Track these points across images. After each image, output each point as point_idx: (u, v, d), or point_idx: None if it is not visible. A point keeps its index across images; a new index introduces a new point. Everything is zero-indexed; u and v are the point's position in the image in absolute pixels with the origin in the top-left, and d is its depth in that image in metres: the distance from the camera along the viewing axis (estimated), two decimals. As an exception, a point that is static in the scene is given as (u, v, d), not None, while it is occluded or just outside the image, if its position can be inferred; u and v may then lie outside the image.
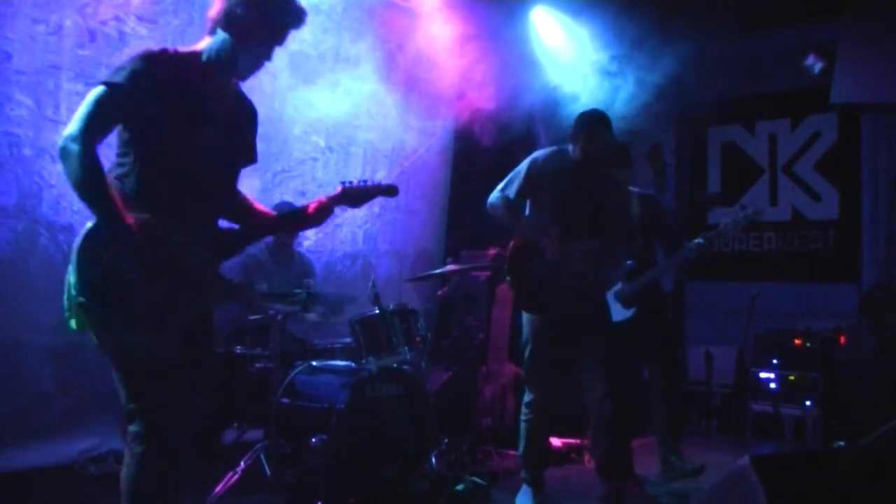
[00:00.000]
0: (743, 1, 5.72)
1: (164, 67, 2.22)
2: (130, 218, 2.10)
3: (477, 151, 6.25)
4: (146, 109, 2.18)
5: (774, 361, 5.97)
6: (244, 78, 2.42)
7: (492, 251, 5.91)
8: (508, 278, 3.87)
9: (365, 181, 2.64)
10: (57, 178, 4.19)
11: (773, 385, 5.94)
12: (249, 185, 5.20)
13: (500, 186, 3.85)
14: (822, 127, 6.66)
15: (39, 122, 4.19)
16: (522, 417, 3.87)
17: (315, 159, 5.73)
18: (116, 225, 2.07)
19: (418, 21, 5.99)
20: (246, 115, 2.53)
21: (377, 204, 6.17)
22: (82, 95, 2.23)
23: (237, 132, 2.44)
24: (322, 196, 2.62)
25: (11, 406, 4.09)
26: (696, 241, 4.15)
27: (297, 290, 4.20)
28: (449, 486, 4.02)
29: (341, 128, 5.83)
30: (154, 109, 2.19)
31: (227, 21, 2.27)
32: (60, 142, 2.10)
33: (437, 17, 5.98)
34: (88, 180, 2.07)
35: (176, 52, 2.29)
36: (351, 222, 6.00)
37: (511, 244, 3.87)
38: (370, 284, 4.19)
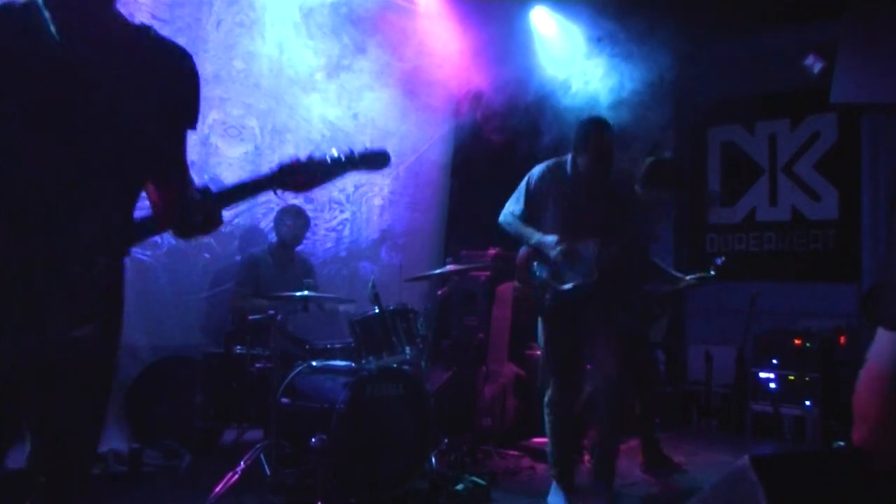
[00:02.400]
0: (743, 1, 5.72)
1: None
2: None
3: (477, 151, 6.25)
4: None
5: (774, 361, 5.96)
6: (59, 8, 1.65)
7: (492, 251, 5.92)
8: (518, 284, 3.97)
9: (314, 157, 1.96)
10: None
11: (773, 385, 5.94)
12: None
13: (507, 204, 4.04)
14: (822, 127, 6.66)
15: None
16: (547, 418, 3.91)
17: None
18: None
19: (419, 21, 6.00)
20: (150, 72, 1.77)
21: (378, 202, 6.17)
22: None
23: (123, 94, 1.72)
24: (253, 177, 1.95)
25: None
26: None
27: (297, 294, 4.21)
28: (449, 486, 4.02)
29: (341, 128, 5.83)
30: None
31: None
32: None
33: (437, 16, 5.98)
34: None
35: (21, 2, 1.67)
36: (346, 222, 6.00)
37: (520, 255, 3.97)
38: (370, 284, 4.19)
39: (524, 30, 6.28)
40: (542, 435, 4.33)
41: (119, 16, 1.75)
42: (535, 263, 3.87)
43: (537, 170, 3.95)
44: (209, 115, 4.92)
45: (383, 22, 5.91)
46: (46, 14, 1.63)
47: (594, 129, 3.81)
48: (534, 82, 6.02)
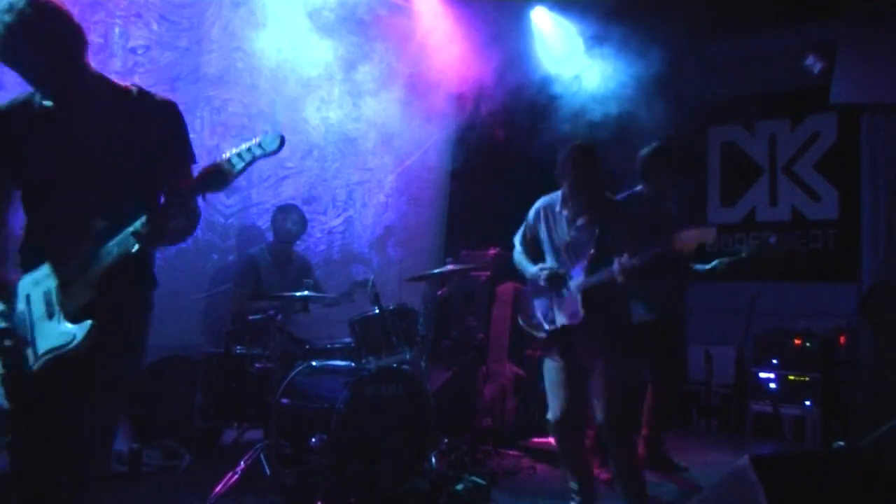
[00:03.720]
0: (743, 1, 5.72)
1: (8, 118, 2.24)
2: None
3: (478, 151, 6.25)
4: (7, 166, 2.26)
5: (774, 361, 5.96)
6: (48, 88, 2.21)
7: (492, 251, 5.92)
8: (520, 319, 3.95)
9: (232, 156, 2.15)
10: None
11: (772, 385, 5.94)
12: (248, 192, 5.26)
13: (518, 233, 3.98)
14: (822, 127, 6.66)
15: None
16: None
17: (315, 160, 5.73)
18: None
19: (419, 21, 6.00)
20: (137, 124, 2.27)
21: (381, 198, 6.17)
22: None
23: (117, 148, 2.22)
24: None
25: (11, 406, 4.08)
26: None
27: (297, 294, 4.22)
28: (449, 486, 4.02)
29: (342, 129, 5.84)
30: (12, 163, 2.25)
31: None
32: None
33: (437, 16, 5.99)
34: None
35: (24, 95, 2.28)
36: (349, 220, 6.00)
37: (523, 291, 3.97)
38: (370, 284, 4.19)
39: (525, 29, 6.28)
40: (542, 435, 4.34)
41: (104, 82, 2.29)
42: (535, 301, 3.82)
43: (535, 206, 3.88)
44: (217, 117, 4.94)
45: (385, 23, 5.92)
46: (48, 102, 2.21)
47: (571, 157, 3.65)
48: (534, 82, 6.03)
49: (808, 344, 5.89)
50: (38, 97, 2.23)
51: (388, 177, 6.22)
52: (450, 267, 4.80)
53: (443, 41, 5.97)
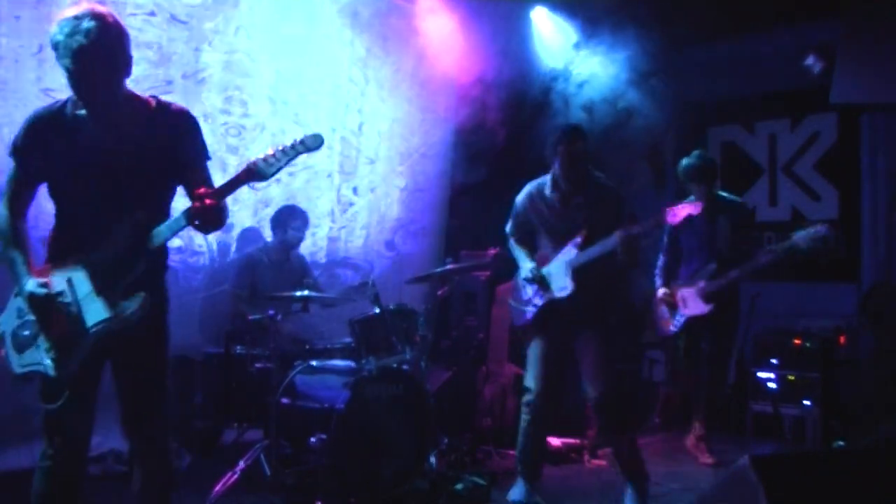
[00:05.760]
0: (743, 1, 5.73)
1: (43, 122, 2.48)
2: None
3: (478, 151, 6.25)
4: (35, 165, 2.50)
5: (774, 361, 5.96)
6: (91, 100, 2.45)
7: (492, 251, 5.91)
8: (511, 302, 4.07)
9: (277, 152, 2.49)
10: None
11: (772, 385, 5.93)
12: (246, 189, 5.24)
13: (508, 221, 4.12)
14: (822, 127, 6.66)
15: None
16: (522, 415, 3.98)
17: (316, 160, 5.72)
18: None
19: (420, 20, 6.00)
20: (158, 132, 2.54)
21: (381, 192, 6.17)
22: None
23: (140, 153, 2.49)
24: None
25: (11, 406, 4.08)
26: None
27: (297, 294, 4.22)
28: (449, 486, 4.02)
29: (343, 132, 5.83)
30: (41, 163, 2.49)
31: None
32: None
33: (438, 15, 5.99)
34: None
35: (59, 103, 2.52)
36: (347, 224, 6.00)
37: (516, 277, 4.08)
38: (370, 284, 4.19)
39: (525, 30, 6.29)
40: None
41: (129, 97, 2.52)
42: (525, 284, 3.95)
43: (522, 193, 4.01)
44: (219, 118, 4.93)
45: (386, 24, 5.91)
46: (81, 111, 2.46)
47: (563, 135, 3.77)
48: (535, 81, 6.03)
49: (808, 344, 5.88)
50: (69, 105, 2.48)
51: (388, 176, 6.21)
52: (450, 267, 4.79)
53: (444, 42, 5.97)
